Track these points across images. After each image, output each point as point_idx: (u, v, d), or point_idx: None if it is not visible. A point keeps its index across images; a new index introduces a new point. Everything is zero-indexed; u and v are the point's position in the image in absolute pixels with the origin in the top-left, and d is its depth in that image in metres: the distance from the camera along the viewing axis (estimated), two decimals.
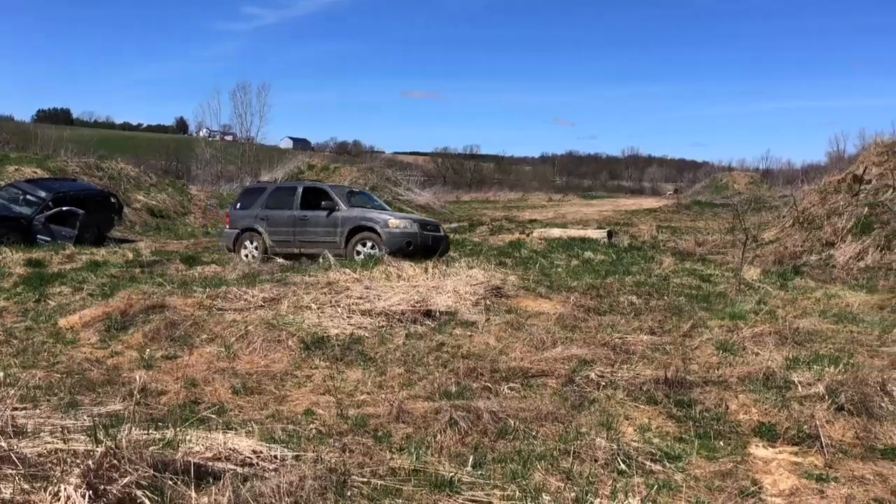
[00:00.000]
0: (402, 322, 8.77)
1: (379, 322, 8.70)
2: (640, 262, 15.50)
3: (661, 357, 7.52)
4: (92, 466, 3.54)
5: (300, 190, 15.22)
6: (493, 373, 6.89)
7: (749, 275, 13.33)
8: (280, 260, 13.94)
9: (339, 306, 9.13)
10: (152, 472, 3.79)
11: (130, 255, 14.65)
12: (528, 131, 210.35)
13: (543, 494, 4.24)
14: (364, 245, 13.99)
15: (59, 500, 3.33)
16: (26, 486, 3.46)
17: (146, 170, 32.04)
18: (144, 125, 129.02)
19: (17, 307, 10.19)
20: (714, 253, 17.85)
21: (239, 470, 4.23)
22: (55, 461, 3.77)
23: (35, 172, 23.99)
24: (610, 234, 20.80)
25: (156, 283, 10.94)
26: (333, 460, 4.55)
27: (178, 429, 4.60)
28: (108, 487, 3.49)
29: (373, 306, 9.15)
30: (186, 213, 27.87)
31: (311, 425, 5.50)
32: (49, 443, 4.17)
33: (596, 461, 4.83)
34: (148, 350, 7.71)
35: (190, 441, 4.47)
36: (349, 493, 4.11)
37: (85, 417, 5.19)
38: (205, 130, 70.49)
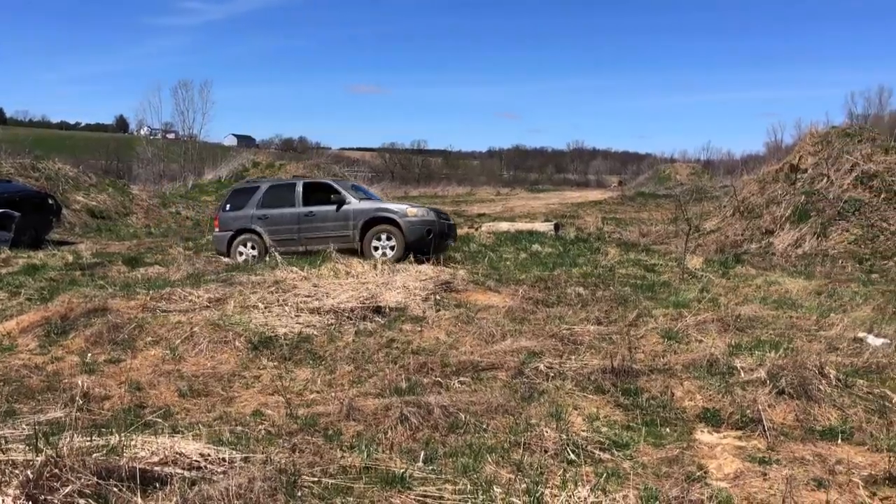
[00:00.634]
0: (351, 319, 8.72)
1: (328, 320, 8.63)
2: (587, 253, 15.70)
3: (608, 347, 7.63)
4: (31, 477, 3.44)
5: (300, 187, 14.64)
6: (444, 367, 6.90)
7: (692, 264, 13.62)
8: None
9: (286, 305, 9.03)
10: (96, 479, 3.70)
11: (70, 258, 14.22)
12: (475, 126, 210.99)
13: (495, 487, 4.27)
14: (381, 238, 13.59)
15: None
16: None
17: (85, 170, 31.11)
18: (83, 124, 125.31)
19: None
20: (658, 243, 18.17)
21: (186, 474, 4.16)
22: None
23: None
24: (557, 227, 21.00)
25: (97, 286, 10.66)
26: (283, 461, 4.51)
27: (122, 434, 4.49)
28: (49, 498, 3.40)
29: (321, 304, 9.08)
30: (128, 213, 27.21)
31: (260, 426, 5.44)
32: None
33: (546, 452, 4.88)
34: (90, 355, 7.50)
35: (135, 446, 4.38)
36: (299, 494, 4.07)
37: (24, 426, 5.04)
38: (146, 129, 68.91)
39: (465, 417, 5.49)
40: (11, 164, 25.60)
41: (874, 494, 4.43)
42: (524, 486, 4.25)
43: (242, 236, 14.53)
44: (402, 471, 4.44)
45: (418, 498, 4.18)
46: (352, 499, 4.15)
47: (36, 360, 7.46)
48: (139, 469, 3.90)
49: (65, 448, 3.78)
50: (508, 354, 7.35)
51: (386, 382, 6.40)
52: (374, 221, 13.64)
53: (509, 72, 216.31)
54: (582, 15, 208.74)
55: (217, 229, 15.17)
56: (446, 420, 5.42)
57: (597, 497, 4.06)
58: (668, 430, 5.57)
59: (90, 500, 3.55)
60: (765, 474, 4.69)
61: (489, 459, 4.72)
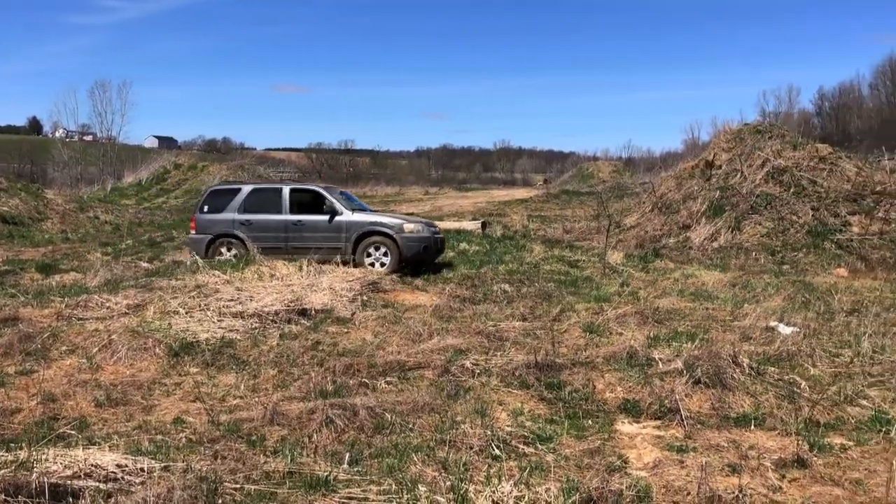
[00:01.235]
0: (275, 322, 8.61)
1: (252, 324, 8.50)
2: (513, 251, 15.89)
3: (532, 342, 7.75)
4: None
5: (286, 193, 13.94)
6: (370, 368, 6.89)
7: (613, 259, 13.95)
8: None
9: (209, 309, 8.84)
10: (3, 497, 3.55)
11: None
12: (403, 125, 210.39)
13: (420, 486, 4.28)
14: (377, 249, 13.16)
15: None
16: None
17: None
18: None
19: None
20: (581, 239, 18.53)
21: (102, 486, 4.04)
22: None
23: None
24: (484, 225, 21.18)
25: (8, 295, 10.22)
26: (204, 468, 4.41)
27: (32, 448, 4.33)
28: None
29: (245, 308, 8.93)
30: (43, 218, 26.15)
31: (181, 434, 5.31)
32: None
33: (471, 448, 4.93)
34: None
35: (47, 460, 4.22)
36: (220, 501, 4.00)
37: None
38: (61, 131, 66.50)
39: (392, 417, 5.49)
40: None
41: (783, 477, 4.62)
42: (449, 483, 4.28)
43: (223, 241, 13.91)
44: (326, 474, 4.41)
45: (343, 500, 4.17)
46: None
47: None
48: (50, 483, 3.76)
49: None
50: (435, 353, 7.38)
51: (311, 385, 6.34)
52: (369, 234, 13.30)
53: (436, 72, 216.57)
54: (507, 15, 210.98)
55: (193, 232, 14.40)
56: (372, 421, 5.41)
57: (520, 491, 4.12)
58: (590, 422, 5.69)
59: None
60: (682, 462, 4.85)
61: (415, 458, 4.74)
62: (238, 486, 4.24)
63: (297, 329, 8.47)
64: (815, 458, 4.90)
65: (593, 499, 3.99)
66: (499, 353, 7.39)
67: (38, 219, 25.95)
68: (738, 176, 17.18)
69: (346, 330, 8.52)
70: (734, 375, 6.28)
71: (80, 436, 5.13)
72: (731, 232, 15.48)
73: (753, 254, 14.47)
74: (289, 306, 9.08)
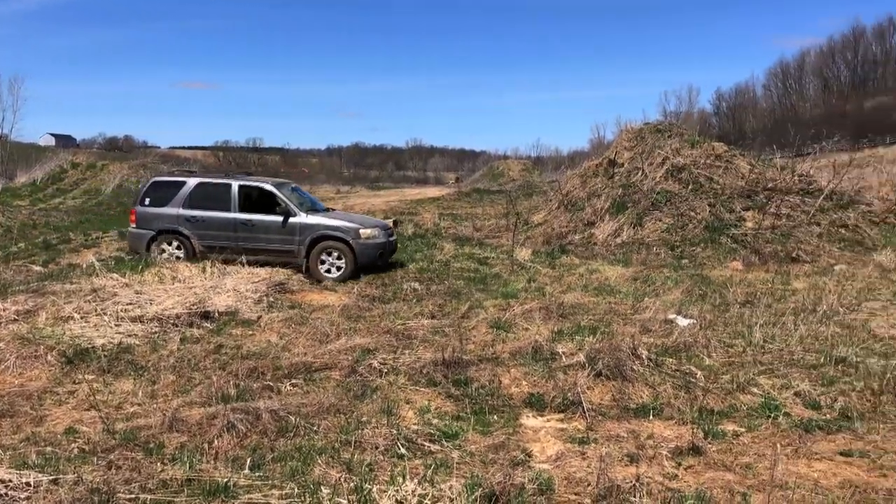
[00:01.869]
0: (177, 326, 8.34)
1: (151, 328, 8.21)
2: (424, 249, 15.93)
3: (440, 340, 7.78)
4: None
5: (236, 189, 13.14)
6: (276, 370, 6.76)
7: (521, 256, 14.15)
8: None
9: (105, 314, 8.49)
10: None
11: None
12: (314, 123, 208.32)
13: (323, 488, 4.23)
14: (330, 255, 12.68)
15: None
16: None
17: None
18: None
19: None
20: (491, 237, 18.73)
21: None
22: None
23: None
24: (395, 224, 21.12)
25: None
26: (97, 479, 4.23)
27: None
28: None
29: (144, 312, 8.62)
30: None
31: (73, 445, 5.07)
32: None
33: (376, 448, 4.90)
34: None
35: None
36: None
37: None
38: None
39: (296, 420, 5.39)
40: None
41: (679, 464, 4.79)
42: (353, 484, 4.24)
43: (166, 237, 13.16)
44: (226, 480, 4.29)
45: None
46: None
47: None
48: None
49: None
50: (342, 353, 7.31)
51: (213, 390, 6.16)
52: (323, 238, 12.77)
53: (347, 70, 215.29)
54: (419, 14, 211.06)
55: (133, 225, 13.57)
56: (275, 424, 5.31)
57: (424, 489, 4.12)
58: (495, 417, 5.75)
59: None
60: (583, 454, 4.96)
61: (319, 461, 4.67)
62: (133, 496, 4.09)
63: (200, 332, 8.24)
64: (709, 445, 5.10)
65: (495, 493, 4.03)
66: (407, 352, 7.38)
67: None
68: (640, 174, 17.71)
69: (250, 332, 8.34)
70: (634, 367, 6.46)
71: None
72: (634, 228, 15.94)
73: (654, 249, 14.94)
74: (191, 309, 8.82)
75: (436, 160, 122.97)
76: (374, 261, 12.82)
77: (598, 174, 19.21)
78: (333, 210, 15.28)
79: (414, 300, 10.23)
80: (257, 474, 4.47)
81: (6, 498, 3.96)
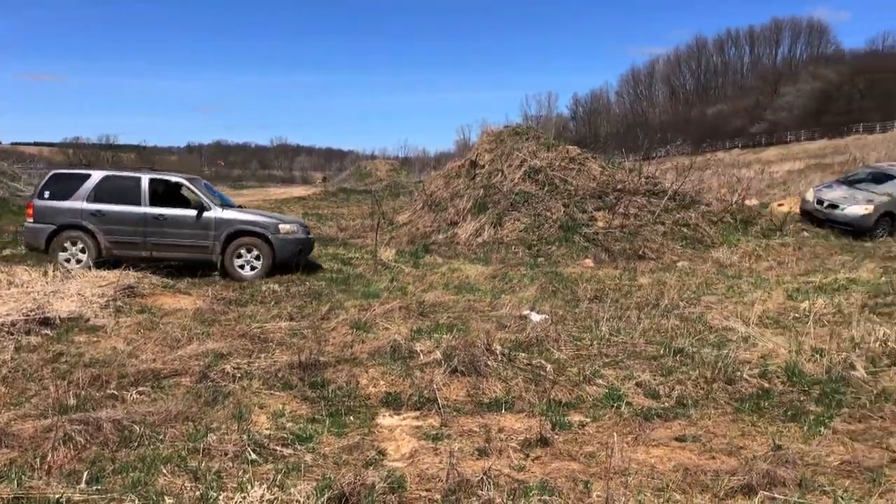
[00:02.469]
0: (11, 334, 7.77)
1: None
2: None
3: (298, 342, 7.67)
4: None
5: (146, 183, 12.44)
6: (121, 378, 6.43)
7: (385, 255, 14.19)
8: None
9: None
10: None
11: None
12: (173, 120, 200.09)
13: (166, 498, 4.07)
14: (248, 251, 12.23)
15: None
16: None
17: None
18: None
19: None
20: (356, 237, 18.66)
21: None
22: None
23: None
24: None
25: None
26: None
27: None
28: None
29: None
30: None
31: None
32: None
33: (226, 455, 4.77)
34: None
35: None
36: None
37: None
38: None
39: (140, 429, 5.16)
40: None
41: (528, 456, 4.96)
42: (199, 493, 4.11)
43: (68, 233, 12.17)
44: (58, 496, 4.05)
45: None
46: None
47: None
48: None
49: None
50: (194, 359, 7.06)
51: (50, 401, 5.79)
52: (240, 234, 12.25)
53: (208, 64, 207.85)
54: (283, 9, 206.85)
55: (31, 220, 12.45)
56: (118, 435, 5.06)
57: (273, 494, 4.05)
58: (351, 418, 5.74)
59: None
60: (436, 450, 5.03)
61: (163, 470, 4.49)
62: None
63: (38, 340, 7.72)
64: (556, 436, 5.31)
65: (345, 494, 4.02)
66: (263, 356, 7.22)
67: None
68: (500, 175, 18.17)
69: (95, 339, 7.90)
70: (488, 363, 6.63)
71: None
72: (494, 228, 16.34)
73: (513, 248, 15.38)
74: (28, 315, 8.24)
75: (302, 159, 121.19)
76: (294, 257, 12.50)
77: (461, 175, 19.55)
78: (243, 207, 14.75)
79: (272, 302, 10.03)
80: (95, 488, 4.24)
81: None
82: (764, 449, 5.08)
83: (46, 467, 4.51)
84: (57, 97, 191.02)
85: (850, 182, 19.10)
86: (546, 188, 17.36)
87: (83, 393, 6.02)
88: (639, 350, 7.43)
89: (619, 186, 17.47)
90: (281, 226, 12.46)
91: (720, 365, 6.67)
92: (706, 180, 21.66)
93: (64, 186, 12.47)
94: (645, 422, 5.66)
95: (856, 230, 17.14)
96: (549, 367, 6.77)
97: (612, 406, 5.97)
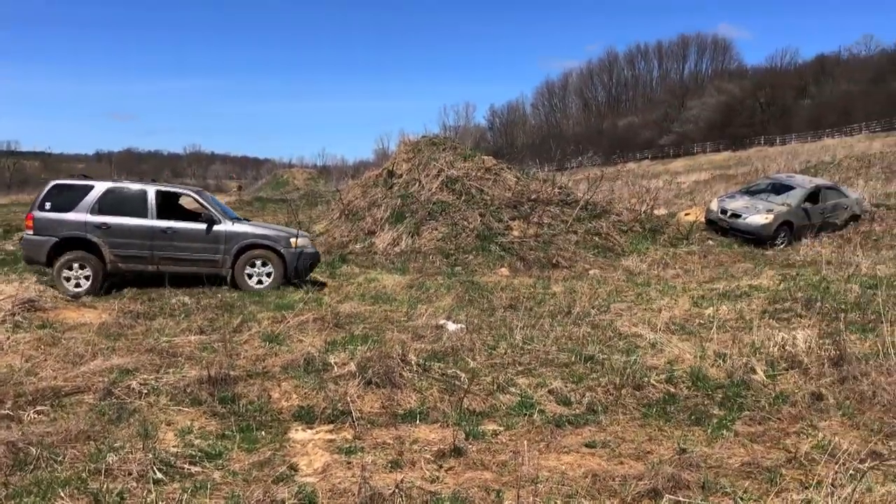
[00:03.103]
0: None
1: None
2: None
3: (208, 356, 7.47)
4: None
5: (152, 195, 12.05)
6: (17, 398, 6.13)
7: None
8: None
9: None
10: None
11: None
12: (80, 126, 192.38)
13: None
14: (256, 265, 12.08)
15: None
16: None
17: None
18: None
19: None
20: None
21: None
22: None
23: None
24: None
25: None
26: None
27: None
28: None
29: None
30: None
31: None
32: None
33: (129, 475, 4.60)
34: None
35: None
36: None
37: None
38: None
39: (37, 451, 4.92)
40: None
41: (441, 467, 4.97)
42: None
43: (71, 246, 11.70)
44: None
45: None
46: None
47: None
48: None
49: None
50: (98, 375, 6.79)
51: None
52: (251, 247, 12.09)
53: (118, 69, 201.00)
54: (197, 11, 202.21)
55: (30, 231, 11.79)
56: (12, 458, 4.81)
57: None
58: (263, 433, 5.63)
59: None
60: (349, 463, 4.99)
61: (62, 494, 4.30)
62: None
63: None
64: (470, 446, 5.34)
65: None
66: (171, 371, 7.01)
67: None
68: (417, 185, 18.22)
69: None
70: (403, 374, 6.62)
71: None
72: (412, 237, 16.36)
73: (430, 257, 15.43)
74: None
75: (217, 167, 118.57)
76: (305, 270, 12.52)
77: (378, 184, 19.51)
78: (251, 220, 14.51)
79: (182, 315, 9.74)
80: None
81: None
82: (670, 453, 5.24)
83: None
84: None
85: (752, 192, 19.97)
86: (463, 198, 17.50)
87: None
88: (551, 358, 7.55)
89: (533, 196, 17.77)
90: (292, 240, 12.35)
91: (629, 371, 6.85)
92: (617, 191, 22.30)
93: (65, 198, 12.00)
94: (556, 429, 5.76)
95: (757, 239, 17.91)
96: (463, 376, 6.80)
97: (525, 414, 6.05)
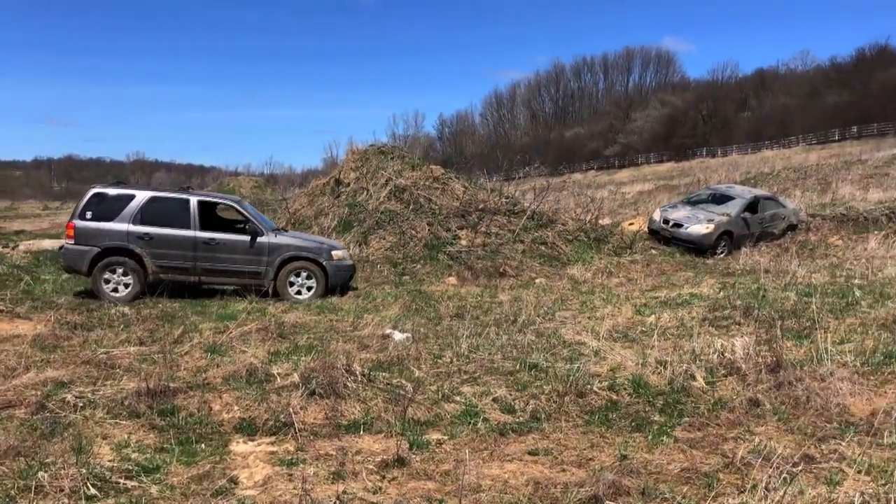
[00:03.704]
0: None
1: None
2: None
3: (148, 367, 7.31)
4: None
5: (195, 204, 11.99)
6: None
7: None
8: None
9: None
10: None
11: None
12: (17, 132, 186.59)
13: None
14: (299, 275, 12.20)
15: None
16: None
17: None
18: None
19: None
20: None
21: None
22: None
23: None
24: None
25: None
26: None
27: None
28: None
29: None
30: None
31: None
32: None
33: (61, 491, 4.47)
34: None
35: None
36: None
37: None
38: None
39: None
40: None
41: (384, 477, 4.94)
42: None
43: (113, 257, 11.67)
44: None
45: None
46: None
47: None
48: None
49: None
50: (30, 388, 6.59)
51: None
52: (293, 259, 12.15)
53: (58, 74, 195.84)
54: (135, 26, 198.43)
55: (71, 241, 11.68)
56: None
57: None
58: (203, 445, 5.52)
59: None
60: (291, 475, 4.92)
61: None
62: None
63: None
64: (413, 456, 5.32)
65: None
66: (109, 383, 6.84)
67: None
68: (365, 194, 18.17)
69: None
70: (347, 384, 6.56)
71: None
72: (360, 246, 16.29)
73: (378, 266, 15.38)
74: None
75: (161, 175, 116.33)
76: (345, 282, 12.69)
77: (326, 193, 19.39)
78: (285, 230, 14.45)
79: (121, 326, 9.52)
80: None
81: None
82: (611, 459, 5.30)
83: None
84: None
85: (693, 202, 20.41)
86: (411, 207, 17.51)
87: None
88: (496, 366, 7.58)
89: (481, 206, 17.87)
90: (333, 252, 12.40)
91: (572, 378, 6.92)
92: (563, 201, 22.55)
93: (107, 207, 11.89)
94: (500, 437, 5.78)
95: (698, 248, 18.29)
96: (409, 386, 6.78)
97: (470, 423, 6.06)
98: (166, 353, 7.81)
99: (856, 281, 11.91)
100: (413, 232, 16.65)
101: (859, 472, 4.93)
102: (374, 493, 4.64)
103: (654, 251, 18.37)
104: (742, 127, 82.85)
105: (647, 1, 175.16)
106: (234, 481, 4.84)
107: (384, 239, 16.54)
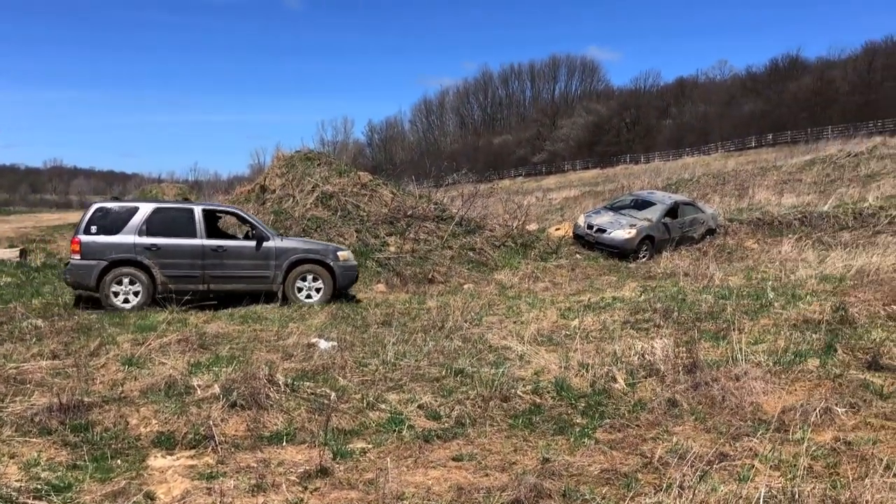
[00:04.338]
0: None
1: None
2: (54, 281, 14.37)
3: (61, 382, 7.04)
4: None
5: (199, 214, 12.07)
6: None
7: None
8: None
9: None
10: None
11: None
12: None
13: None
14: (306, 279, 12.34)
15: None
16: None
17: None
18: None
19: None
20: None
21: None
22: None
23: None
24: (23, 253, 18.78)
25: None
26: None
27: None
28: None
29: None
30: None
31: None
32: None
33: None
34: None
35: None
36: None
37: None
38: None
39: None
40: None
41: (306, 488, 4.88)
42: None
43: (121, 269, 11.62)
44: None
45: None
46: None
47: None
48: None
49: None
50: None
51: None
52: (301, 262, 12.28)
53: None
54: (51, 26, 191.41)
55: (77, 256, 11.60)
56: None
57: None
58: (119, 461, 5.35)
59: None
60: (210, 489, 4.81)
61: None
62: None
63: None
64: (337, 465, 5.27)
65: None
66: (18, 399, 6.54)
67: None
68: (291, 200, 17.97)
69: None
70: (269, 394, 6.46)
71: None
72: None
73: None
74: None
75: (80, 182, 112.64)
76: (351, 283, 12.93)
77: (251, 200, 19.12)
78: (284, 234, 14.57)
79: (33, 339, 9.13)
80: None
81: None
82: (534, 463, 5.37)
83: None
84: None
85: (616, 208, 20.90)
86: (339, 214, 17.40)
87: None
88: (423, 372, 7.58)
89: (409, 212, 17.89)
90: (339, 253, 12.60)
91: (497, 383, 6.99)
92: (491, 207, 22.76)
93: (112, 221, 11.89)
94: (425, 444, 5.78)
95: (621, 252, 18.73)
96: (333, 395, 6.72)
97: (395, 430, 6.05)
98: (81, 366, 7.53)
99: (769, 283, 12.38)
100: (341, 239, 16.53)
101: (770, 467, 5.13)
102: None
103: (578, 256, 18.72)
104: (664, 134, 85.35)
105: (573, 11, 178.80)
106: (150, 497, 4.70)
107: None
